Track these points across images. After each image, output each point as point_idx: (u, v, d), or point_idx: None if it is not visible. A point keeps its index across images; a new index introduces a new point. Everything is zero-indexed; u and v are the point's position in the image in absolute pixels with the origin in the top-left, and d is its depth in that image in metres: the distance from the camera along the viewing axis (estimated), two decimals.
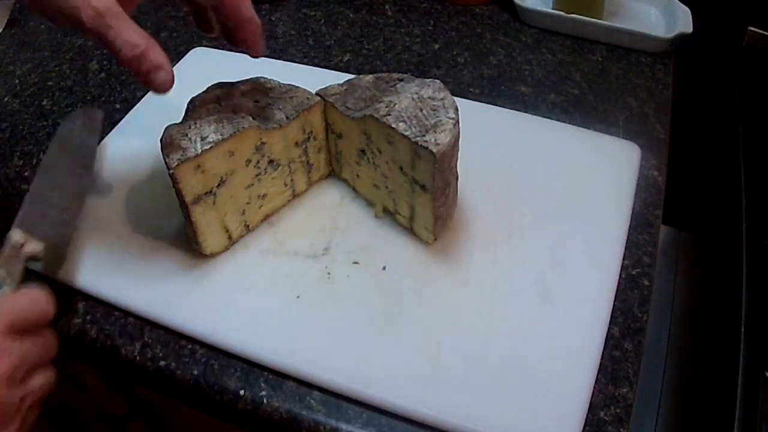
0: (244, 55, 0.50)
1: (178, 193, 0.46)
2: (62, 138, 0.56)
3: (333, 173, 0.58)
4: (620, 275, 0.51)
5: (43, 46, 0.77)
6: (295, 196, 0.56)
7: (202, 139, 0.46)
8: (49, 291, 0.40)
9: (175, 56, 0.72)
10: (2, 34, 0.79)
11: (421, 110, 0.47)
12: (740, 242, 0.58)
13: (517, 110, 0.64)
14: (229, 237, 0.52)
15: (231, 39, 0.50)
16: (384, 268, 0.51)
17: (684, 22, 0.71)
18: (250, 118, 0.48)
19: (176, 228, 0.53)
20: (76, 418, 0.81)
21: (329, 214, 0.55)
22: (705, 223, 0.81)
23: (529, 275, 0.50)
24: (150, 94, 0.66)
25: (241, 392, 0.46)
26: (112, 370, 0.50)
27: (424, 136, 0.45)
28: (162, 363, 0.47)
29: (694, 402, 0.64)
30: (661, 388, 0.66)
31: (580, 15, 0.73)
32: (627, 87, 0.69)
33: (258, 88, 0.52)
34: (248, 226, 0.53)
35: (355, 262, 0.51)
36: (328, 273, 0.51)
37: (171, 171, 0.44)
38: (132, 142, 0.60)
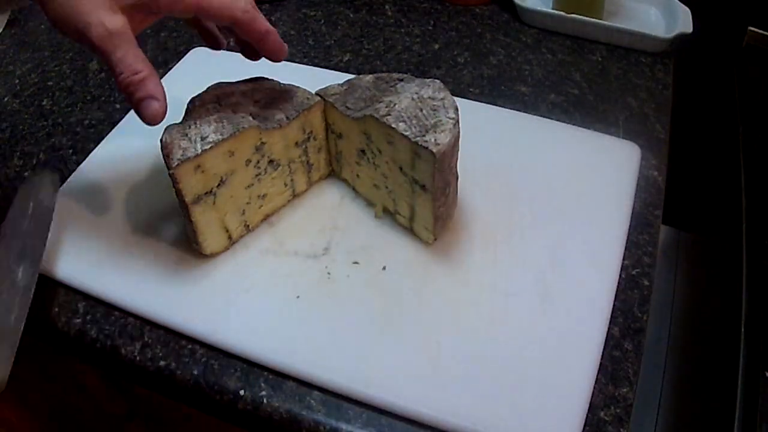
0: (238, 44, 0.50)
1: (178, 193, 0.46)
2: (20, 207, 0.51)
3: (333, 173, 0.58)
4: (620, 275, 0.51)
5: (43, 46, 0.77)
6: (295, 196, 0.56)
7: (202, 139, 0.46)
8: None
9: (175, 56, 0.72)
10: (2, 34, 0.79)
11: (421, 110, 0.47)
12: (740, 242, 0.58)
13: (517, 110, 0.64)
14: (229, 237, 0.52)
15: (249, 52, 0.50)
16: (384, 268, 0.51)
17: (684, 22, 0.71)
18: (250, 118, 0.48)
19: (176, 228, 0.53)
20: (76, 418, 0.81)
21: (329, 214, 0.55)
22: (705, 223, 0.81)
23: (529, 275, 0.50)
24: None
25: (241, 392, 0.46)
26: (112, 370, 0.50)
27: (424, 136, 0.45)
28: (162, 363, 0.47)
29: (694, 402, 0.64)
30: (661, 388, 0.66)
31: (580, 15, 0.73)
32: (627, 87, 0.69)
33: (258, 88, 0.52)
34: (248, 226, 0.53)
35: (355, 262, 0.51)
36: (328, 273, 0.51)
37: (171, 171, 0.44)
38: (132, 142, 0.60)
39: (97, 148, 0.61)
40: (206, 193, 0.48)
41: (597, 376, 0.45)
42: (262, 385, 0.46)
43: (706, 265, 0.77)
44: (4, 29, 0.80)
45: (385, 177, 0.51)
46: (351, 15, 0.80)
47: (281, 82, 0.53)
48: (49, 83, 0.72)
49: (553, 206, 0.55)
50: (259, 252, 0.52)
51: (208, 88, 0.52)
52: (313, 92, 0.53)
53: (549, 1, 0.77)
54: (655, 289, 0.51)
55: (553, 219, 0.54)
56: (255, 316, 0.48)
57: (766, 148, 0.66)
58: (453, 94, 0.49)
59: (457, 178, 0.51)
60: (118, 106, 0.68)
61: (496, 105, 0.65)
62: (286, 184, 0.54)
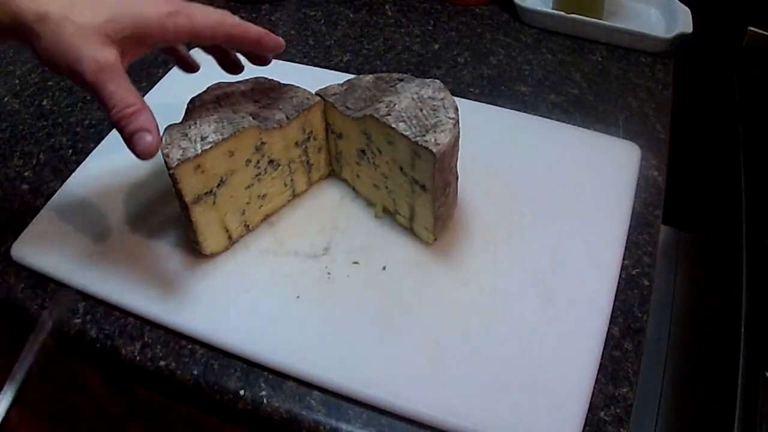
0: (243, 56, 0.50)
1: (178, 193, 0.46)
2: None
3: (333, 173, 0.58)
4: (620, 275, 0.51)
5: None
6: (295, 196, 0.56)
7: (202, 139, 0.46)
8: None
9: None
10: None
11: (421, 110, 0.47)
12: (740, 242, 0.58)
13: (517, 110, 0.64)
14: (229, 237, 0.52)
15: (252, 58, 0.50)
16: (384, 268, 0.51)
17: (684, 22, 0.71)
18: (250, 118, 0.48)
19: (176, 228, 0.53)
20: (76, 418, 0.81)
21: (329, 214, 0.55)
22: (705, 223, 0.81)
23: (529, 275, 0.50)
24: (150, 95, 0.66)
25: (241, 392, 0.46)
26: (112, 370, 0.50)
27: (424, 136, 0.45)
28: (162, 363, 0.47)
29: (694, 402, 0.64)
30: (661, 388, 0.66)
31: (580, 15, 0.73)
32: (627, 87, 0.69)
33: (258, 88, 0.52)
34: (248, 226, 0.53)
35: (355, 262, 0.51)
36: (328, 273, 0.51)
37: (171, 171, 0.44)
38: None
39: (97, 148, 0.62)
40: (206, 193, 0.48)
41: (597, 376, 0.45)
42: (262, 385, 0.46)
43: (706, 265, 0.77)
44: None
45: (385, 177, 0.51)
46: (351, 15, 0.80)
47: (281, 82, 0.53)
48: (49, 83, 0.72)
49: (553, 206, 0.55)
50: (259, 252, 0.52)
51: (208, 88, 0.52)
52: (313, 92, 0.53)
53: (549, 1, 0.77)
54: (655, 289, 0.51)
55: (553, 219, 0.54)
56: (255, 316, 0.48)
57: (766, 148, 0.66)
58: (453, 94, 0.49)
59: (457, 178, 0.51)
60: None
61: (496, 105, 0.65)
62: (286, 184, 0.54)
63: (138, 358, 0.48)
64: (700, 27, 0.71)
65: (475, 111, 0.63)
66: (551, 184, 0.56)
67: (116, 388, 0.67)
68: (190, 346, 0.48)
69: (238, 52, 0.51)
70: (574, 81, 0.70)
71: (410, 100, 0.48)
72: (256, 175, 0.51)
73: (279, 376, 0.46)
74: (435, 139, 0.45)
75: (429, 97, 0.48)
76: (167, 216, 0.54)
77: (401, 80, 0.51)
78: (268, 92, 0.52)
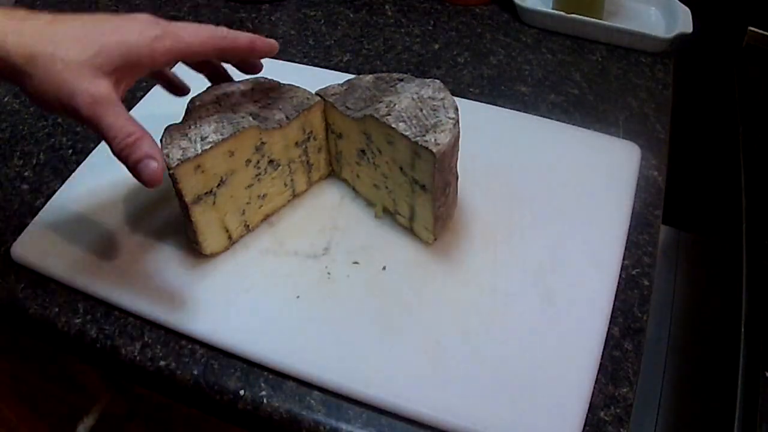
0: (234, 66, 0.51)
1: (178, 193, 0.46)
2: None
3: (333, 173, 0.58)
4: (620, 275, 0.51)
5: None
6: (295, 196, 0.56)
7: (202, 139, 0.46)
8: None
9: None
10: None
11: (421, 110, 0.47)
12: (740, 242, 0.58)
13: (517, 110, 0.64)
14: (229, 237, 0.52)
15: (243, 67, 0.51)
16: (384, 268, 0.51)
17: (684, 22, 0.71)
18: (250, 118, 0.48)
19: (176, 228, 0.53)
20: (76, 418, 0.81)
21: (329, 214, 0.55)
22: (705, 223, 0.81)
23: (529, 275, 0.50)
24: (150, 96, 0.66)
25: (241, 392, 0.46)
26: (112, 370, 0.50)
27: (424, 136, 0.45)
28: (162, 363, 0.47)
29: (694, 402, 0.64)
30: (661, 388, 0.66)
31: (580, 15, 0.73)
32: (627, 87, 0.69)
33: (258, 88, 0.52)
34: (248, 226, 0.53)
35: (355, 262, 0.51)
36: (328, 273, 0.51)
37: (171, 171, 0.44)
38: None
39: (97, 148, 0.61)
40: (206, 193, 0.48)
41: (597, 376, 0.45)
42: (262, 385, 0.46)
43: (706, 265, 0.77)
44: None
45: (385, 177, 0.51)
46: (351, 15, 0.80)
47: (281, 82, 0.53)
48: None
49: (553, 206, 0.55)
50: (259, 252, 0.52)
51: (208, 88, 0.52)
52: (313, 92, 0.53)
53: (549, 1, 0.77)
54: (655, 289, 0.51)
55: (553, 219, 0.54)
56: (255, 316, 0.48)
57: (766, 148, 0.66)
58: (453, 94, 0.49)
59: (457, 178, 0.51)
60: None
61: (496, 105, 0.65)
62: (286, 184, 0.54)
63: (138, 358, 0.48)
64: (700, 27, 0.71)
65: (475, 111, 0.63)
66: (551, 184, 0.56)
67: (116, 388, 0.67)
68: (190, 346, 0.48)
69: (230, 63, 0.51)
70: (574, 81, 0.70)
71: (410, 100, 0.48)
72: (256, 175, 0.51)
73: (279, 376, 0.46)
74: (435, 139, 0.45)
75: (429, 97, 0.48)
76: (167, 216, 0.54)
77: (401, 80, 0.51)
78: (268, 92, 0.52)
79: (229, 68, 0.52)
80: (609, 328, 0.48)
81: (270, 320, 0.48)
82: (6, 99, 0.70)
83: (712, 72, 0.84)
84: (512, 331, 0.47)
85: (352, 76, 0.54)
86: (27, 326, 0.52)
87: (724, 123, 0.78)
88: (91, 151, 0.61)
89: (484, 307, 0.48)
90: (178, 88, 0.53)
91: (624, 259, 0.52)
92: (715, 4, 0.77)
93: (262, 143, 0.50)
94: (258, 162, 0.50)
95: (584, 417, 0.43)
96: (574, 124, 0.63)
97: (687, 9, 0.73)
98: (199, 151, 0.45)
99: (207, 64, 0.51)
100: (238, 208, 0.51)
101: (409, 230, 0.53)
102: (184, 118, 0.49)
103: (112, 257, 0.52)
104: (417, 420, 0.43)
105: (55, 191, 0.58)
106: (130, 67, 0.41)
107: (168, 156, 0.45)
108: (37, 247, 0.53)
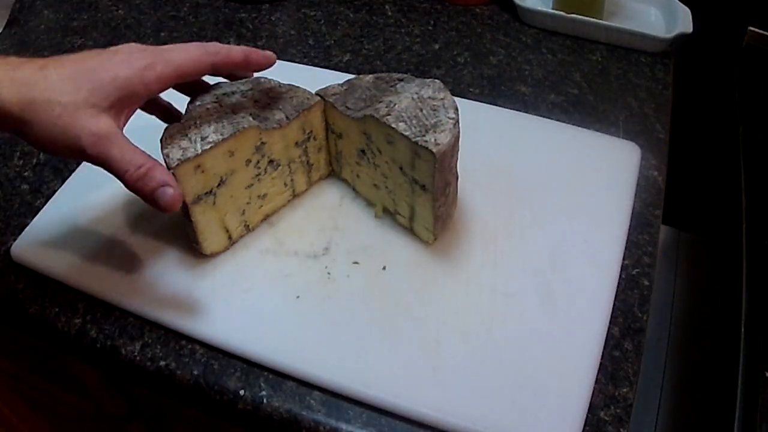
0: (226, 78, 0.51)
1: None
2: None
3: (333, 173, 0.58)
4: (620, 275, 0.51)
5: (43, 46, 0.77)
6: (295, 196, 0.56)
7: (202, 139, 0.46)
8: None
9: None
10: (2, 34, 0.79)
11: (421, 110, 0.47)
12: (740, 242, 0.58)
13: (517, 110, 0.64)
14: (229, 237, 0.52)
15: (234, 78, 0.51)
16: (384, 268, 0.51)
17: (684, 22, 0.71)
18: (250, 118, 0.48)
19: (176, 228, 0.53)
20: (76, 418, 0.81)
21: (329, 214, 0.55)
22: (705, 223, 0.81)
23: (529, 275, 0.50)
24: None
25: (241, 392, 0.46)
26: (112, 370, 0.50)
27: (424, 136, 0.45)
28: (162, 363, 0.47)
29: (694, 402, 0.64)
30: (661, 388, 0.66)
31: (580, 15, 0.73)
32: (627, 87, 0.69)
33: (258, 88, 0.52)
34: (248, 226, 0.53)
35: (355, 262, 0.51)
36: (328, 273, 0.51)
37: (171, 171, 0.44)
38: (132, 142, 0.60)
39: None
40: (206, 193, 0.48)
41: (597, 376, 0.45)
42: (262, 385, 0.46)
43: (706, 265, 0.77)
44: (4, 29, 0.80)
45: (385, 177, 0.51)
46: (351, 15, 0.80)
47: (281, 82, 0.53)
48: None
49: (553, 206, 0.55)
50: (259, 252, 0.52)
51: (208, 88, 0.52)
52: (313, 92, 0.53)
53: (549, 1, 0.77)
54: (655, 289, 0.51)
55: (553, 219, 0.54)
56: (255, 316, 0.48)
57: (766, 148, 0.66)
58: (453, 94, 0.49)
59: (457, 178, 0.51)
60: None
61: (496, 105, 0.65)
62: (286, 184, 0.54)
63: (138, 358, 0.48)
64: (700, 27, 0.71)
65: (475, 111, 0.63)
66: (551, 184, 0.56)
67: (116, 388, 0.67)
68: (190, 346, 0.48)
69: (226, 77, 0.51)
70: (574, 81, 0.70)
71: (410, 100, 0.48)
72: (256, 175, 0.51)
73: (279, 376, 0.46)
74: (435, 139, 0.45)
75: (429, 97, 0.48)
76: (167, 216, 0.54)
77: (401, 80, 0.51)
78: (268, 92, 0.52)
79: None
80: (609, 328, 0.48)
81: (270, 320, 0.48)
82: None
83: (712, 72, 0.84)
84: (512, 330, 0.47)
85: (352, 76, 0.54)
86: (27, 326, 0.52)
87: (724, 123, 0.78)
88: None
89: (484, 307, 0.48)
90: (173, 116, 0.53)
91: (624, 259, 0.52)
92: (715, 4, 0.77)
93: (262, 143, 0.50)
94: (258, 162, 0.50)
95: (584, 417, 0.43)
96: (574, 124, 0.63)
97: (687, 9, 0.73)
98: (199, 151, 0.45)
99: (197, 84, 0.51)
100: (238, 208, 0.51)
101: (409, 230, 0.53)
102: (184, 117, 0.49)
103: (112, 257, 0.52)
104: (417, 420, 0.43)
105: (55, 191, 0.58)
106: (126, 99, 0.41)
107: (168, 156, 0.45)
108: (37, 247, 0.53)
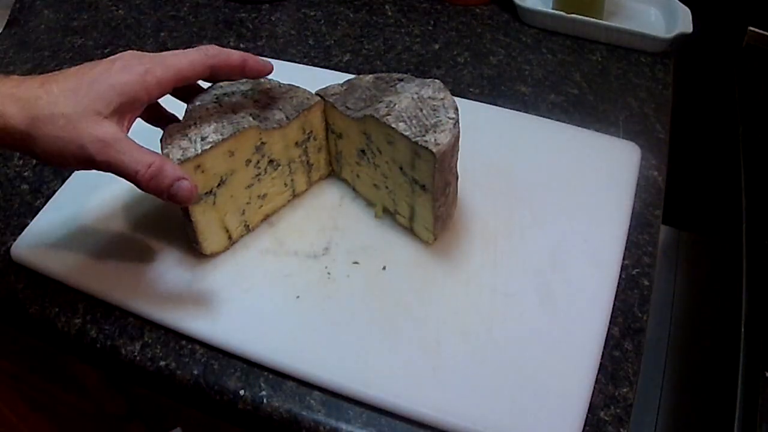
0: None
1: None
2: None
3: (333, 173, 0.58)
4: (620, 275, 0.51)
5: (43, 46, 0.77)
6: (295, 196, 0.56)
7: (202, 139, 0.46)
8: None
9: None
10: (2, 34, 0.79)
11: (421, 110, 0.47)
12: (740, 242, 0.58)
13: (517, 110, 0.64)
14: (229, 237, 0.52)
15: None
16: (384, 268, 0.51)
17: (684, 22, 0.71)
18: (250, 118, 0.48)
19: (176, 228, 0.53)
20: (76, 418, 0.81)
21: (329, 214, 0.55)
22: (705, 223, 0.81)
23: (529, 275, 0.50)
24: None
25: (241, 392, 0.46)
26: (112, 370, 0.50)
27: (424, 136, 0.45)
28: (162, 363, 0.47)
29: (694, 402, 0.64)
30: (661, 388, 0.66)
31: (580, 15, 0.73)
32: (627, 87, 0.69)
33: (258, 88, 0.52)
34: (248, 226, 0.53)
35: (355, 262, 0.51)
36: (328, 273, 0.51)
37: None
38: None
39: None
40: (206, 193, 0.48)
41: (597, 376, 0.45)
42: (262, 385, 0.46)
43: (706, 265, 0.77)
44: (4, 29, 0.80)
45: (385, 177, 0.51)
46: (351, 15, 0.80)
47: (281, 82, 0.53)
48: None
49: (553, 206, 0.55)
50: (259, 252, 0.52)
51: (208, 88, 0.52)
52: (313, 92, 0.53)
53: (549, 1, 0.77)
54: (655, 289, 0.51)
55: (553, 219, 0.54)
56: (255, 316, 0.48)
57: (766, 148, 0.66)
58: (453, 94, 0.49)
59: (457, 178, 0.51)
60: None
61: (496, 105, 0.65)
62: (286, 184, 0.54)
63: (138, 358, 0.48)
64: (700, 27, 0.71)
65: (475, 111, 0.63)
66: (551, 184, 0.56)
67: (116, 388, 0.67)
68: (190, 346, 0.48)
69: (224, 81, 0.50)
70: (574, 81, 0.70)
71: (410, 100, 0.48)
72: (256, 175, 0.51)
73: (279, 376, 0.46)
74: (435, 139, 0.45)
75: (429, 97, 0.48)
76: (167, 216, 0.54)
77: (401, 80, 0.51)
78: (268, 92, 0.52)
79: None
80: (609, 328, 0.48)
81: (270, 320, 0.48)
82: None
83: (712, 72, 0.84)
84: (512, 330, 0.47)
85: (352, 76, 0.54)
86: (27, 326, 0.52)
87: (724, 123, 0.78)
88: None
89: (484, 307, 0.48)
90: (168, 120, 0.53)
91: (624, 259, 0.52)
92: (715, 4, 0.77)
93: (262, 143, 0.50)
94: (258, 162, 0.50)
95: (584, 417, 0.43)
96: (574, 124, 0.63)
97: (687, 9, 0.73)
98: (199, 151, 0.45)
99: (193, 87, 0.50)
100: (238, 208, 0.51)
101: (409, 230, 0.53)
102: (184, 117, 0.49)
103: (111, 257, 0.52)
104: (417, 420, 0.43)
105: (55, 191, 0.58)
106: (128, 105, 0.42)
107: (168, 156, 0.45)
108: (37, 247, 0.53)
